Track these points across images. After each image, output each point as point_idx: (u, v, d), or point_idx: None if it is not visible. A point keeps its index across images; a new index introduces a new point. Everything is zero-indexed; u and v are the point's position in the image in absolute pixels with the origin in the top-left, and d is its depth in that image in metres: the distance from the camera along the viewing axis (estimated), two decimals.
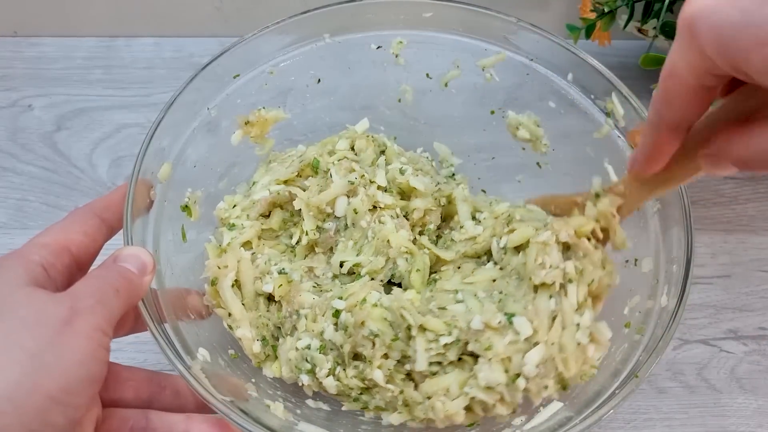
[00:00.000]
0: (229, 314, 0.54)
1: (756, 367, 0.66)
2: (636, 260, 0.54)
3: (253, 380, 0.53)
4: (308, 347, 0.52)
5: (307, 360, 0.52)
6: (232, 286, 0.55)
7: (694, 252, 0.50)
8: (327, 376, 0.51)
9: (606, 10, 0.69)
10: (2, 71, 0.84)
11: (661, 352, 0.46)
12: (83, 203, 0.72)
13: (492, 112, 0.64)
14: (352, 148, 0.62)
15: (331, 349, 0.51)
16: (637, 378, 0.46)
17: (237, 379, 0.52)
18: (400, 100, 0.66)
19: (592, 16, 0.70)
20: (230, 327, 0.54)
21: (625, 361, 0.49)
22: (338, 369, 0.51)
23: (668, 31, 0.63)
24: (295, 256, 0.59)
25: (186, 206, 0.56)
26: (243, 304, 0.55)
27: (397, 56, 0.62)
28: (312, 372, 0.51)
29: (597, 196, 0.49)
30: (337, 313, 0.51)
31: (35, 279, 0.41)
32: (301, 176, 0.60)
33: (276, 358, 0.55)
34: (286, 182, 0.59)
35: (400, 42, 0.61)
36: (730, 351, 0.67)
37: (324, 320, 0.52)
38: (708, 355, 0.67)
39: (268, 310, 0.56)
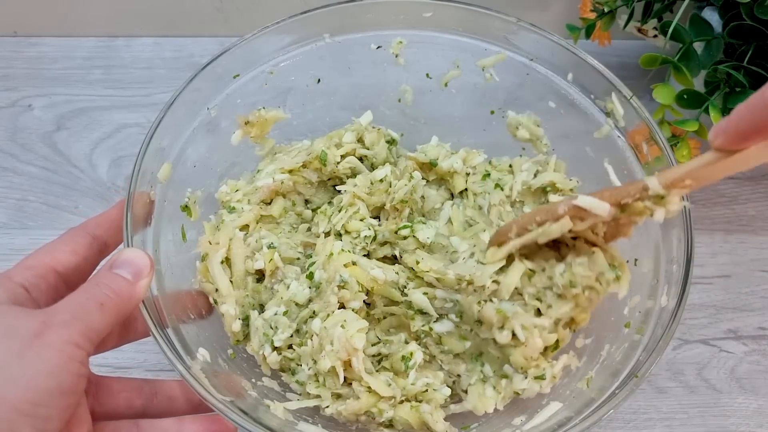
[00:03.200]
0: (216, 290, 0.55)
1: (756, 367, 0.66)
2: (636, 260, 0.54)
3: (253, 380, 0.53)
4: (275, 314, 0.53)
5: (271, 326, 0.53)
6: (222, 263, 0.55)
7: (694, 252, 0.49)
8: (284, 344, 0.53)
9: (606, 10, 0.69)
10: (2, 71, 0.84)
11: (661, 352, 0.46)
12: (83, 203, 0.74)
13: (492, 112, 0.64)
14: (359, 141, 0.63)
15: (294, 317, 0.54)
16: (637, 378, 0.46)
17: (237, 378, 0.52)
18: (400, 100, 0.66)
19: (592, 16, 0.70)
20: (215, 302, 0.55)
21: (625, 361, 0.49)
22: (294, 336, 0.53)
23: (667, 30, 0.63)
24: (296, 231, 0.61)
25: (186, 206, 0.57)
26: (231, 282, 0.56)
27: (397, 56, 0.62)
28: (272, 341, 0.53)
29: (661, 197, 0.41)
30: (311, 275, 0.53)
31: (15, 299, 0.41)
32: (306, 167, 0.61)
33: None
34: (290, 172, 0.60)
35: (400, 42, 0.61)
36: (730, 351, 0.67)
37: (298, 285, 0.54)
38: (708, 355, 0.67)
39: (256, 291, 0.57)
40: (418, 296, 0.53)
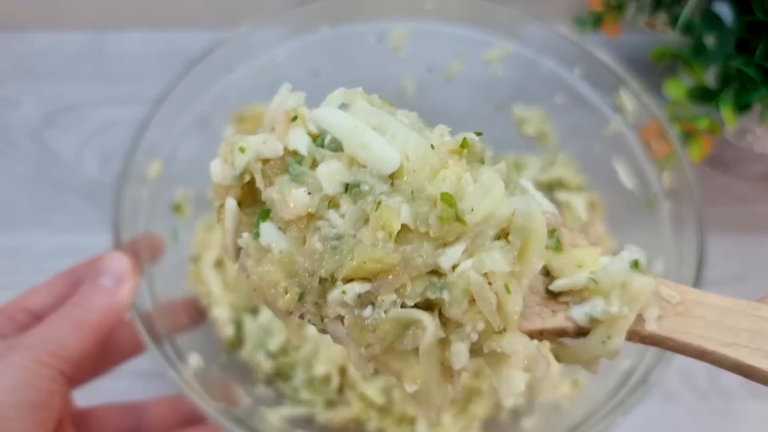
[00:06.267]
0: (209, 293, 0.54)
1: None
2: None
3: (248, 386, 0.53)
4: (270, 318, 0.52)
5: (265, 331, 0.52)
6: (216, 266, 0.54)
7: (707, 253, 0.48)
8: (278, 349, 0.52)
9: (614, 3, 0.68)
10: None
11: (672, 357, 0.45)
12: (73, 201, 0.73)
13: (497, 107, 0.62)
14: None
15: None
16: (646, 384, 0.45)
17: (231, 385, 0.51)
18: (401, 95, 0.64)
19: (601, 8, 0.69)
20: (208, 305, 0.54)
21: (634, 366, 0.47)
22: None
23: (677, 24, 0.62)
24: None
25: (177, 206, 0.55)
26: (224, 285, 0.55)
27: (398, 49, 0.61)
28: (266, 346, 0.52)
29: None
30: None
31: None
32: None
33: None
34: None
35: (402, 34, 0.60)
36: None
37: None
38: None
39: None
40: None
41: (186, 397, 0.43)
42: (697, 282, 0.48)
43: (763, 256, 0.70)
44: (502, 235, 0.27)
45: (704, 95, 0.60)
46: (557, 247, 0.29)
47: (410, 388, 0.27)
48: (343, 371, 0.51)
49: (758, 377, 0.28)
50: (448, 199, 0.26)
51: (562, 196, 0.58)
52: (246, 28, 0.56)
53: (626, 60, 0.56)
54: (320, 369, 0.51)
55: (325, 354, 0.51)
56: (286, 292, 0.28)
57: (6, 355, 0.38)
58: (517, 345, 0.27)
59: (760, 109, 0.60)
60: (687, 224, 0.50)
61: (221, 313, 0.53)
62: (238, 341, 0.54)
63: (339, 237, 0.26)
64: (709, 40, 0.61)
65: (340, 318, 0.27)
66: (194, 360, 0.48)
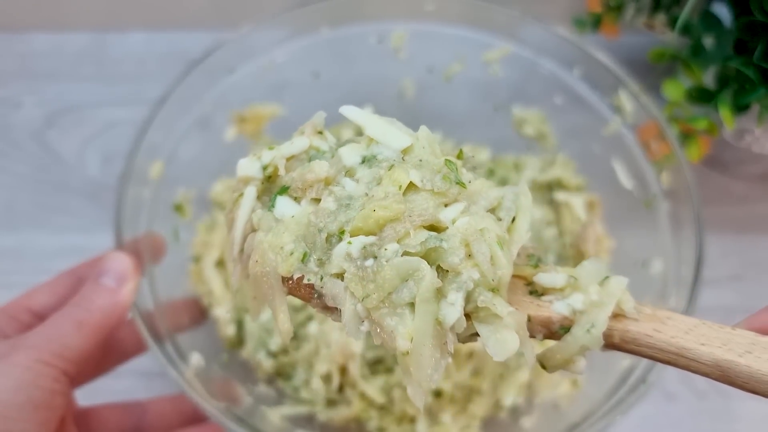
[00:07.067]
0: (210, 292, 0.54)
1: None
2: (644, 261, 0.53)
3: (249, 385, 0.52)
4: (270, 318, 0.52)
5: (266, 331, 0.53)
6: (217, 266, 0.54)
7: (705, 253, 0.48)
8: (279, 348, 0.52)
9: (613, 4, 0.68)
10: None
11: None
12: (74, 201, 0.73)
13: (496, 108, 0.62)
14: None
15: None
16: (645, 384, 0.45)
17: (232, 384, 0.51)
18: (401, 96, 0.64)
19: (600, 10, 0.69)
20: (209, 305, 0.54)
21: (633, 366, 0.47)
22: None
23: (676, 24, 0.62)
24: None
25: (179, 206, 0.55)
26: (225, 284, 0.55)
27: (398, 50, 0.61)
28: (267, 346, 0.52)
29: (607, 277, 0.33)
30: None
31: None
32: None
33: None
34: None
35: (402, 35, 0.60)
36: None
37: None
38: None
39: None
40: None
41: (187, 397, 0.43)
42: (696, 282, 0.48)
43: (762, 256, 0.70)
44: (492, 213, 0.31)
45: (703, 96, 0.60)
46: (537, 265, 0.33)
47: (403, 345, 0.28)
48: (343, 370, 0.51)
49: (735, 375, 0.29)
50: (450, 164, 0.30)
51: (561, 196, 0.58)
52: (247, 29, 0.56)
53: (625, 61, 0.56)
54: (321, 368, 0.51)
55: (325, 353, 0.51)
56: (291, 254, 0.30)
57: (9, 355, 0.38)
58: (508, 307, 0.29)
59: (758, 110, 0.60)
60: (685, 224, 0.50)
61: (222, 312, 0.53)
62: (239, 341, 0.54)
63: (351, 197, 0.30)
64: (708, 41, 0.61)
65: (340, 276, 0.29)
66: (195, 359, 0.48)
